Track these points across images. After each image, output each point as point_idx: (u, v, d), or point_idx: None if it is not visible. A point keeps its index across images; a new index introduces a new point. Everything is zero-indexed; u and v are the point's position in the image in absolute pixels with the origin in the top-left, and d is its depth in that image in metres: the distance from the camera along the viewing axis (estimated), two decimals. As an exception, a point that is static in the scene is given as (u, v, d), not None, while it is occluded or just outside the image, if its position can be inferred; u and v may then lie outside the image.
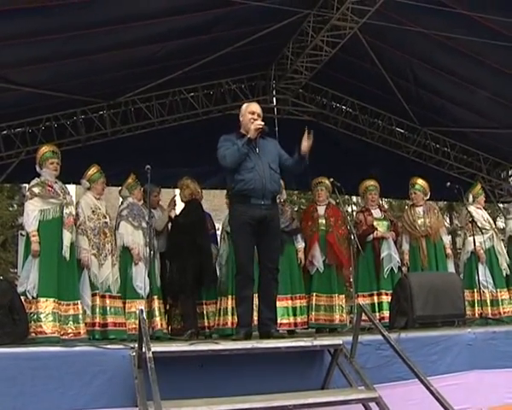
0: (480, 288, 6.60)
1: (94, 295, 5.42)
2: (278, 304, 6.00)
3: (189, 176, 6.41)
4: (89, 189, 5.78)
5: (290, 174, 5.30)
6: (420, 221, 6.76)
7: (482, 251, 6.73)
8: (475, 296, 6.69)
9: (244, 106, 4.93)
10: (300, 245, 6.42)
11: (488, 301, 6.64)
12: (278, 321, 5.95)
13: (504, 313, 6.69)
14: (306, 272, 6.56)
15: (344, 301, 6.67)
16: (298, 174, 5.14)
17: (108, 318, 5.49)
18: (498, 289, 6.80)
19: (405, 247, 6.82)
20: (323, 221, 6.65)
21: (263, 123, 4.71)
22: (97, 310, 5.43)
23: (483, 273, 6.63)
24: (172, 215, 6.23)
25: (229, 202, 4.86)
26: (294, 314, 6.25)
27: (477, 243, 6.67)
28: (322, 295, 6.54)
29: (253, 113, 4.77)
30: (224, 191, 6.76)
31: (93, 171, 5.82)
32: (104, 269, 5.52)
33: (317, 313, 6.49)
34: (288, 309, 6.20)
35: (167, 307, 6.34)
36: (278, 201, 6.36)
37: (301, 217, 6.82)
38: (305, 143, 4.62)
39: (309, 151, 4.65)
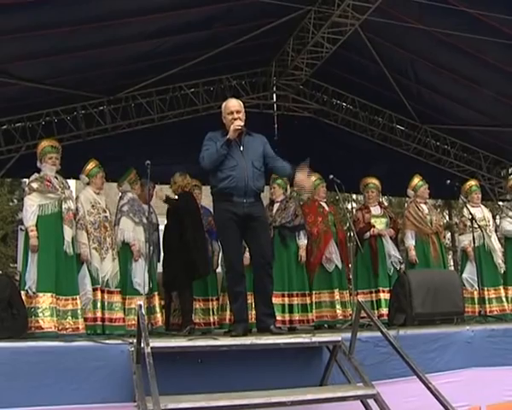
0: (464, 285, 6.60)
1: (95, 289, 5.41)
2: (274, 300, 6.03)
3: (181, 172, 6.26)
4: (88, 183, 5.77)
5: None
6: (428, 218, 6.75)
7: (470, 249, 6.67)
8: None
9: (223, 107, 4.78)
10: (302, 242, 6.30)
11: (476, 300, 6.58)
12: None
13: (491, 311, 6.56)
14: (314, 269, 6.47)
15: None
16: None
17: (106, 313, 5.48)
18: (487, 288, 6.69)
19: (411, 242, 6.67)
20: (332, 218, 6.67)
21: (242, 124, 4.58)
22: (99, 305, 5.42)
23: (470, 271, 6.61)
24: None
25: (212, 200, 4.80)
26: (291, 312, 6.16)
27: (466, 242, 6.71)
28: (342, 291, 6.55)
29: (231, 113, 4.64)
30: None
31: (91, 166, 5.81)
32: (106, 263, 5.52)
33: (334, 309, 6.45)
34: (283, 306, 6.11)
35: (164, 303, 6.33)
36: (284, 196, 6.36)
37: (304, 212, 6.61)
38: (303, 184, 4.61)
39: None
